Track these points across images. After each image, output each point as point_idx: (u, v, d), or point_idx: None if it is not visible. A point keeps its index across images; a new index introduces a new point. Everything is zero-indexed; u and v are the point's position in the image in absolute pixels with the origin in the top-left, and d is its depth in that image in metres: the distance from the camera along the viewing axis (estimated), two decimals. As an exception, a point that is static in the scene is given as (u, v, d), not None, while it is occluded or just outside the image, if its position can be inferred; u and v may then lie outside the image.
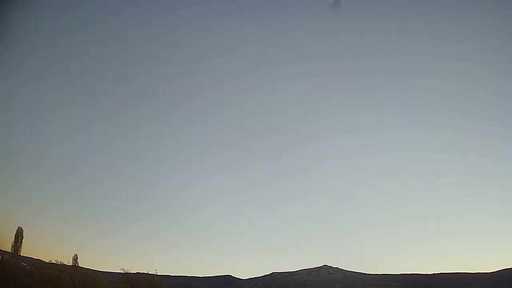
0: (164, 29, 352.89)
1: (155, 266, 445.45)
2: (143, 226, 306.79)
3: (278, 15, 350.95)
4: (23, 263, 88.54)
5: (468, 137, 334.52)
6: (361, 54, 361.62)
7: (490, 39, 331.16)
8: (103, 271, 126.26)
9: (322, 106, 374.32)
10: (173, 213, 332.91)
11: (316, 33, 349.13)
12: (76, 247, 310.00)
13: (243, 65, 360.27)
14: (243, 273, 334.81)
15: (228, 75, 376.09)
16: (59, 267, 78.56)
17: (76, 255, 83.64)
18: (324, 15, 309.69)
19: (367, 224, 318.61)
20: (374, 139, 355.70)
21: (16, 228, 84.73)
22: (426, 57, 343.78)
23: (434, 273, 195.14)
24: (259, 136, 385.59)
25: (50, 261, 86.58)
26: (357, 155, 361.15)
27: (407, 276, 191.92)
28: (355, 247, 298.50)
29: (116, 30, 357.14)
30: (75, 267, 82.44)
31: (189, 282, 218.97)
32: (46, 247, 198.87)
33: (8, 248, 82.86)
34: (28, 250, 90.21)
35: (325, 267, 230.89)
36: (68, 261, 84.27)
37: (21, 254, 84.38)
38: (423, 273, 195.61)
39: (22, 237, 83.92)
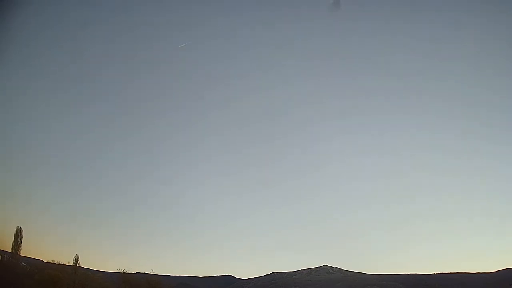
0: (164, 30, 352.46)
1: (155, 266, 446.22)
2: (143, 226, 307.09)
3: (278, 15, 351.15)
4: (23, 263, 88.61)
5: (467, 138, 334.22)
6: (362, 55, 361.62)
7: (490, 40, 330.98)
8: (103, 271, 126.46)
9: (322, 107, 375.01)
10: (173, 213, 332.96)
11: (317, 34, 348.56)
12: (76, 247, 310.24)
13: (243, 66, 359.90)
14: (243, 273, 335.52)
15: (228, 76, 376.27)
16: (59, 267, 78.51)
17: (77, 256, 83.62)
18: (325, 15, 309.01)
19: (367, 224, 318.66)
20: (374, 140, 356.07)
21: (16, 228, 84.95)
22: (427, 58, 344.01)
23: (434, 273, 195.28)
24: (259, 137, 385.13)
25: (50, 261, 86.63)
26: (357, 156, 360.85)
27: (407, 276, 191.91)
28: (355, 247, 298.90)
29: (117, 31, 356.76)
30: (76, 267, 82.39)
31: (189, 282, 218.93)
32: (46, 247, 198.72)
33: (8, 248, 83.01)
34: (28, 250, 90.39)
35: (325, 267, 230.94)
36: (69, 261, 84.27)
37: (21, 254, 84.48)
38: (423, 273, 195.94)
39: (22, 237, 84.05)
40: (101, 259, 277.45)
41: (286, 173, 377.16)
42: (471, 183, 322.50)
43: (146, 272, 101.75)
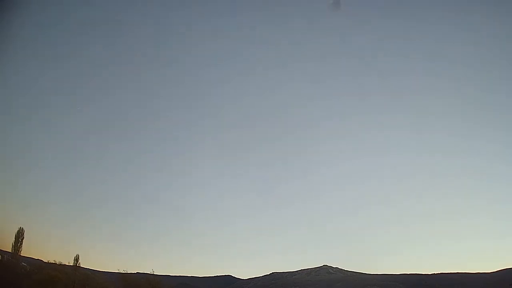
0: (165, 30, 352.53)
1: (156, 266, 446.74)
2: (143, 227, 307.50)
3: (279, 16, 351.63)
4: (23, 263, 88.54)
5: (468, 138, 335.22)
6: (362, 55, 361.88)
7: (490, 40, 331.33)
8: (103, 271, 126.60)
9: (322, 109, 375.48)
10: (173, 213, 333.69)
11: (317, 35, 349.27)
12: (76, 247, 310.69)
13: (244, 67, 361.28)
14: (243, 273, 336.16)
15: (230, 77, 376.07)
16: (59, 267, 78.48)
17: (78, 256, 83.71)
18: (325, 15, 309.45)
19: (367, 224, 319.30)
20: (374, 141, 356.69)
21: (17, 229, 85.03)
22: (427, 59, 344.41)
23: (434, 273, 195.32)
24: (259, 139, 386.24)
25: (50, 261, 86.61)
26: (358, 156, 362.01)
27: (407, 276, 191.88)
28: (355, 247, 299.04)
29: (118, 31, 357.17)
30: (76, 267, 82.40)
31: (189, 282, 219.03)
32: (46, 247, 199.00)
33: (8, 248, 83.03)
34: (28, 250, 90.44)
35: (325, 267, 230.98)
36: (69, 261, 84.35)
37: (21, 254, 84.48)
38: (423, 273, 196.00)
39: (23, 237, 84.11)
40: (101, 259, 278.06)
41: (286, 173, 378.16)
42: (471, 183, 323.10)
43: (146, 272, 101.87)
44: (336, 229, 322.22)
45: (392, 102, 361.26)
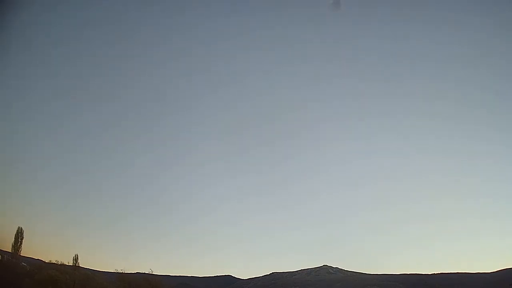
0: (166, 31, 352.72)
1: (156, 266, 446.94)
2: (143, 227, 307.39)
3: (279, 17, 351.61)
4: (23, 263, 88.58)
5: (467, 139, 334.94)
6: (362, 56, 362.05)
7: (490, 41, 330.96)
8: (103, 271, 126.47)
9: (322, 110, 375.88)
10: (173, 213, 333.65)
11: (317, 35, 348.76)
12: (76, 247, 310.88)
13: (244, 68, 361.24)
14: (243, 273, 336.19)
15: (230, 79, 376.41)
16: (59, 267, 78.54)
17: (77, 256, 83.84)
18: (325, 16, 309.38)
19: (367, 224, 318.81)
20: (374, 142, 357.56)
21: (17, 228, 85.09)
22: (427, 60, 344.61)
23: (434, 273, 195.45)
24: (260, 140, 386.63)
25: (50, 261, 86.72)
26: (358, 157, 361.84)
27: (407, 276, 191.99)
28: (355, 247, 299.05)
29: (119, 32, 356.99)
30: (75, 267, 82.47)
31: (189, 282, 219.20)
32: (46, 247, 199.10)
33: (8, 248, 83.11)
34: (28, 250, 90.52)
35: (325, 267, 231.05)
36: (69, 261, 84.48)
37: (21, 254, 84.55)
38: (423, 273, 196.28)
39: (23, 237, 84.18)
40: (101, 259, 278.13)
41: (287, 174, 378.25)
42: (471, 183, 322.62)
43: (146, 272, 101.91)
44: (336, 229, 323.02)
45: (392, 103, 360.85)
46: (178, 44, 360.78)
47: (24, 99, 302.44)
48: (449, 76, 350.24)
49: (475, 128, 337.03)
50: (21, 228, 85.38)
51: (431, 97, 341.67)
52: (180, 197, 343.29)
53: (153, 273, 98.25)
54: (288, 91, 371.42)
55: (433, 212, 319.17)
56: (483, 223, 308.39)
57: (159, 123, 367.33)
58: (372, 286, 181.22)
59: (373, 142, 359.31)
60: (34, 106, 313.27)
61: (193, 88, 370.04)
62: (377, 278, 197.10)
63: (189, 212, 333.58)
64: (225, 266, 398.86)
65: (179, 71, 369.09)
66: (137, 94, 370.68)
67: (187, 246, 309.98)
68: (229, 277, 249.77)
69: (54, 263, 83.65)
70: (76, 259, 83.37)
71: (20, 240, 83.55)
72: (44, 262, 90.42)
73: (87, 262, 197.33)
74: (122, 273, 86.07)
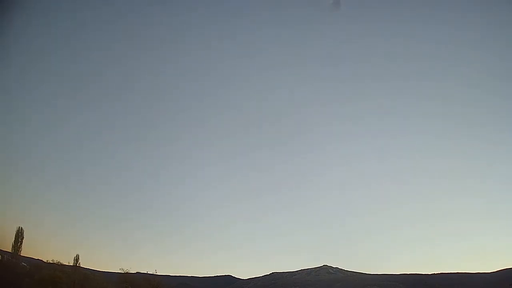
0: (167, 31, 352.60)
1: (156, 266, 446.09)
2: (143, 227, 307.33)
3: (279, 17, 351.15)
4: (23, 263, 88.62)
5: (467, 139, 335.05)
6: (362, 56, 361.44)
7: (490, 41, 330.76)
8: (103, 271, 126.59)
9: (321, 111, 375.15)
10: (174, 214, 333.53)
11: (317, 35, 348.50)
12: (76, 247, 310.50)
13: (245, 68, 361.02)
14: (243, 273, 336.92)
15: (230, 79, 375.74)
16: (59, 267, 78.51)
17: (78, 256, 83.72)
18: (325, 17, 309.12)
19: (367, 224, 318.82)
20: (374, 142, 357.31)
21: (17, 228, 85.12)
22: (427, 60, 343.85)
23: (434, 273, 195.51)
24: (259, 141, 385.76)
25: (50, 261, 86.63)
26: (358, 157, 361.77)
27: (407, 276, 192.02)
28: (355, 247, 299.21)
29: (120, 32, 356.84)
30: (76, 267, 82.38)
31: (189, 282, 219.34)
32: (46, 247, 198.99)
33: (8, 248, 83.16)
34: (28, 250, 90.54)
35: (325, 267, 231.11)
36: (69, 261, 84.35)
37: (21, 254, 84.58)
38: (423, 273, 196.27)
39: (23, 237, 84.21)
40: (101, 259, 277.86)
41: (287, 174, 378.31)
42: (471, 183, 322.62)
43: (146, 272, 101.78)
44: (336, 229, 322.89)
45: (392, 104, 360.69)
46: (178, 44, 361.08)
47: (24, 99, 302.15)
48: (449, 76, 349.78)
49: (475, 128, 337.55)
50: (21, 228, 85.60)
51: (432, 97, 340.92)
52: (180, 197, 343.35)
53: (153, 273, 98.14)
54: (289, 91, 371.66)
55: (433, 212, 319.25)
56: (483, 223, 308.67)
57: (161, 123, 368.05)
58: (372, 286, 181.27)
59: (373, 142, 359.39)
60: (34, 106, 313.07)
61: (194, 88, 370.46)
62: (377, 278, 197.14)
63: (189, 212, 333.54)
64: (225, 266, 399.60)
65: (179, 71, 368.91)
66: (137, 94, 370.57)
67: (187, 246, 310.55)
68: (229, 277, 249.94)
69: (54, 263, 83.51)
70: (77, 259, 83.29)
71: (20, 240, 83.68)
72: (44, 262, 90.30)
73: (88, 262, 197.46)
74: (126, 273, 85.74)
